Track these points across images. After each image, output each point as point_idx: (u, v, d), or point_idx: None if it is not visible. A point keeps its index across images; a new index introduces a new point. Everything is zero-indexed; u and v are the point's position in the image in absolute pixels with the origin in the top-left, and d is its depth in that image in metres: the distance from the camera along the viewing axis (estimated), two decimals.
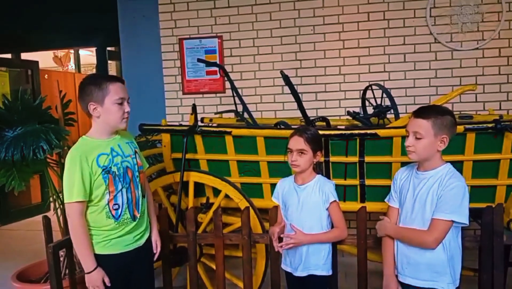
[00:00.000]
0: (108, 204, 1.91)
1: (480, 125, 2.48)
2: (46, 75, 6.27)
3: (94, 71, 9.43)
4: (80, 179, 1.83)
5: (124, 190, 1.95)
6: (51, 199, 3.17)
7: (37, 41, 5.51)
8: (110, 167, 1.90)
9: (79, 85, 1.94)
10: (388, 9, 3.89)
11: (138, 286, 2.09)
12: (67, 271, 2.68)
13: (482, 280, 2.20)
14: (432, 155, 1.82)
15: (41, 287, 2.91)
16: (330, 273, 2.12)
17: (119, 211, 1.94)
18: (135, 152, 2.07)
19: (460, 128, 2.45)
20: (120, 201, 1.94)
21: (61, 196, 3.09)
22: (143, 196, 2.08)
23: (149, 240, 2.15)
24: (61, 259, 2.73)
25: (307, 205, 2.07)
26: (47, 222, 2.46)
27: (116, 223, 1.93)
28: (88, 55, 8.89)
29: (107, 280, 1.90)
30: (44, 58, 7.32)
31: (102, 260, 1.92)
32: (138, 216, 2.02)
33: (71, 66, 9.09)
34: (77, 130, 6.22)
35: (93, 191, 1.88)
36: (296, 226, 2.05)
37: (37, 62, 5.92)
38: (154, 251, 2.19)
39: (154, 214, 2.24)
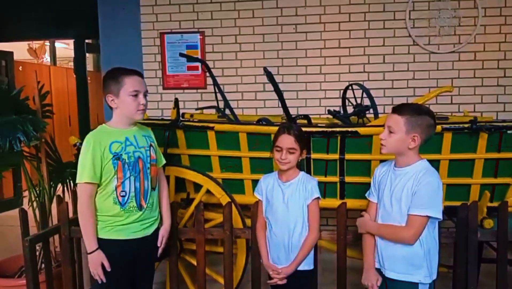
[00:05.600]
0: (115, 189, 1.97)
1: (457, 125, 2.56)
2: (21, 67, 6.10)
3: (70, 64, 9.25)
4: (91, 162, 1.92)
5: (132, 178, 2.00)
6: (26, 193, 3.10)
7: (12, 31, 5.35)
8: (121, 154, 1.97)
9: (102, 79, 2.05)
10: (368, 11, 3.96)
11: (140, 277, 2.11)
12: (43, 266, 2.62)
13: (457, 275, 2.27)
14: (403, 151, 1.87)
15: (16, 282, 2.84)
16: (312, 267, 2.14)
17: (126, 198, 1.99)
18: (150, 145, 2.13)
19: (437, 128, 2.52)
20: (128, 188, 1.99)
21: (37, 189, 3.03)
22: (153, 188, 2.12)
23: (157, 231, 2.18)
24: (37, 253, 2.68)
25: (292, 202, 2.08)
26: (23, 214, 2.40)
27: (121, 209, 1.98)
28: (63, 48, 8.71)
29: (106, 264, 1.95)
30: (19, 50, 7.12)
31: (106, 245, 1.97)
32: (145, 206, 2.05)
33: (46, 58, 8.88)
34: (51, 124, 6.11)
35: (103, 175, 1.95)
36: (280, 229, 2.09)
37: (11, 52, 5.76)
38: (158, 245, 2.20)
39: (167, 209, 2.28)
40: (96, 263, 1.94)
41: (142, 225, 2.05)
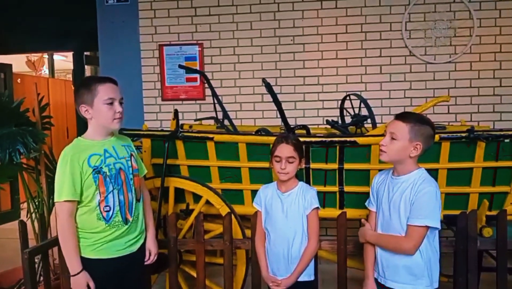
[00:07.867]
0: (99, 205, 1.88)
1: (455, 134, 2.58)
2: (19, 79, 6.12)
3: (67, 76, 9.28)
4: (70, 178, 1.81)
5: (115, 192, 1.91)
6: (23, 205, 3.10)
7: (11, 44, 5.37)
8: (101, 167, 1.88)
9: (74, 89, 1.94)
10: (365, 22, 4.00)
11: None
12: (41, 278, 2.61)
13: (457, 284, 2.27)
14: (403, 159, 1.87)
15: None
16: (312, 278, 2.13)
17: (110, 213, 1.90)
18: (131, 155, 2.04)
19: (435, 137, 2.54)
20: (112, 203, 1.90)
21: (36, 201, 3.02)
22: (138, 200, 2.04)
23: (143, 247, 2.10)
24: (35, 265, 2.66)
25: (292, 212, 2.07)
26: (23, 227, 2.39)
27: (107, 225, 1.89)
28: (61, 61, 8.73)
29: (92, 285, 1.85)
30: (17, 62, 7.15)
31: (91, 264, 1.87)
32: (130, 219, 1.97)
33: (44, 71, 8.90)
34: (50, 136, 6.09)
35: (84, 191, 1.85)
36: (280, 240, 2.07)
37: (10, 65, 5.78)
38: (146, 259, 2.12)
39: (151, 220, 2.19)
40: (81, 284, 1.84)
41: (126, 243, 1.96)
